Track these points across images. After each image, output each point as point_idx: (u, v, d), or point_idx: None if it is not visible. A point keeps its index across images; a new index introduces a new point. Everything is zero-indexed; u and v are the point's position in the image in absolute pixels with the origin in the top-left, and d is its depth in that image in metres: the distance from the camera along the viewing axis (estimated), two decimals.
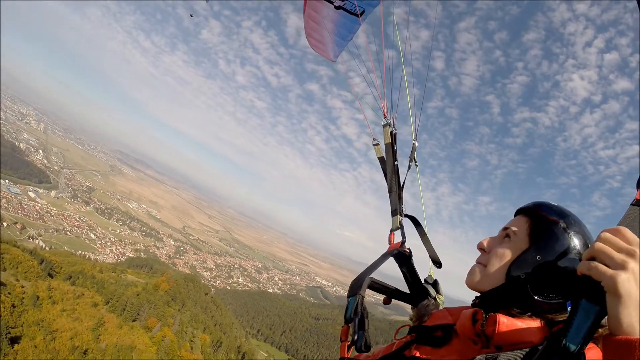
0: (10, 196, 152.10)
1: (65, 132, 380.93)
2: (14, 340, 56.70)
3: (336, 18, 5.99)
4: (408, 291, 2.53)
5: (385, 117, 3.50)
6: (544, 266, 1.57)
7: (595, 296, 1.09)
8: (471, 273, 1.79)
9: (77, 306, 74.13)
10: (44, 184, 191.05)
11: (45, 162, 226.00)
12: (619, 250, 1.11)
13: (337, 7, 5.74)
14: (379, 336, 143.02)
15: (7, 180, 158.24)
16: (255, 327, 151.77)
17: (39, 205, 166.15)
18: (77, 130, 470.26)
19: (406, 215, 3.02)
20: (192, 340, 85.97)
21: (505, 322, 1.52)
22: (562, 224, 1.63)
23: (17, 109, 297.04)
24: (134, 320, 79.26)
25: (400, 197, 3.12)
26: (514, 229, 1.75)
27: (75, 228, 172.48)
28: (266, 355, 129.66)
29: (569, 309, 1.33)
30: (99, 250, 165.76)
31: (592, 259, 1.14)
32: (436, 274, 2.71)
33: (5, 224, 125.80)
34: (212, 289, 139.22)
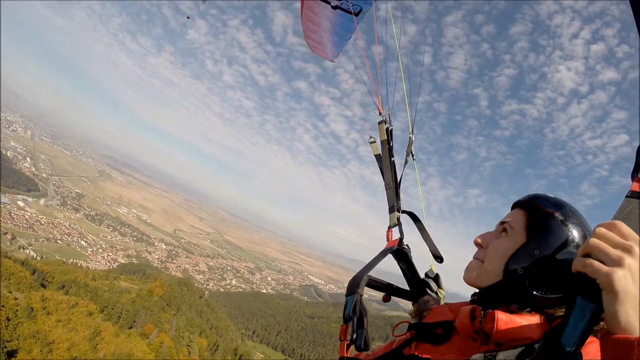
0: None
1: (53, 138, 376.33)
2: (11, 354, 56.27)
3: (333, 18, 6.03)
4: (407, 288, 2.53)
5: (380, 114, 3.51)
6: (542, 260, 1.54)
7: (591, 294, 1.07)
8: (468, 269, 1.77)
9: (72, 316, 73.47)
10: (32, 192, 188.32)
11: (34, 169, 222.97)
12: (615, 246, 1.08)
13: (334, 7, 5.78)
14: (374, 332, 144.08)
15: None
16: (251, 329, 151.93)
17: (29, 214, 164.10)
18: (65, 136, 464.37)
19: (404, 212, 3.06)
20: (189, 345, 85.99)
21: (504, 319, 1.49)
22: (559, 216, 1.60)
23: (3, 116, 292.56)
24: (130, 328, 79.11)
25: (397, 194, 3.17)
26: (510, 222, 1.72)
27: (66, 236, 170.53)
28: (263, 356, 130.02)
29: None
30: (91, 257, 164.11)
31: (587, 255, 1.11)
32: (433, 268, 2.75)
33: None
34: (206, 292, 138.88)
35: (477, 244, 1.80)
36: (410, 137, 3.35)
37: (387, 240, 2.87)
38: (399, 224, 2.97)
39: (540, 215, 1.65)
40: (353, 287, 2.21)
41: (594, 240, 1.11)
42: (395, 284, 2.44)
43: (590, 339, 1.11)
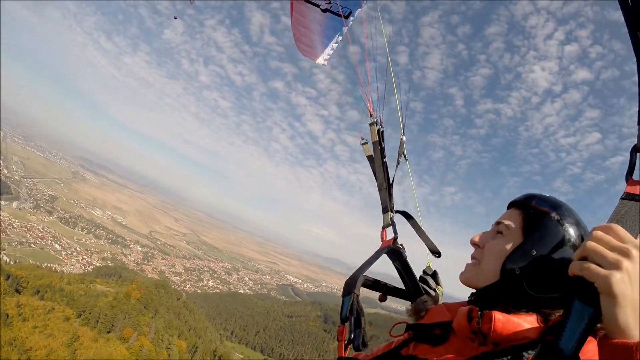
0: None
1: (25, 139, 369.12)
2: None
3: (323, 21, 6.05)
4: (402, 287, 2.55)
5: (371, 116, 3.52)
6: (539, 260, 1.54)
7: (589, 297, 1.07)
8: (465, 270, 1.77)
9: (49, 322, 72.64)
10: (4, 195, 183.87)
11: (6, 172, 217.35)
12: (612, 249, 1.08)
13: (324, 10, 5.79)
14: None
15: None
16: (229, 329, 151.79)
17: (1, 217, 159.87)
18: (37, 137, 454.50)
19: (397, 211, 3.10)
20: (168, 348, 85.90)
21: (501, 319, 1.49)
22: (555, 216, 1.59)
23: None
24: (108, 332, 78.69)
25: (390, 194, 3.20)
26: (506, 223, 1.70)
27: (39, 239, 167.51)
28: (242, 356, 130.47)
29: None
30: (65, 261, 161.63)
31: (584, 258, 1.11)
32: (421, 266, 2.78)
33: None
34: (183, 294, 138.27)
35: (473, 243, 1.79)
36: (401, 139, 3.39)
37: (382, 241, 2.92)
38: (392, 223, 3.02)
39: (536, 215, 1.63)
40: (349, 287, 2.22)
41: (591, 244, 1.11)
42: (390, 283, 2.49)
43: (589, 339, 1.11)
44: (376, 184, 3.29)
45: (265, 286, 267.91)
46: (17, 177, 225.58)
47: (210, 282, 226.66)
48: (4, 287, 74.50)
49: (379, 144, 3.36)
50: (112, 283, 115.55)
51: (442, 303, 1.99)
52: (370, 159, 3.44)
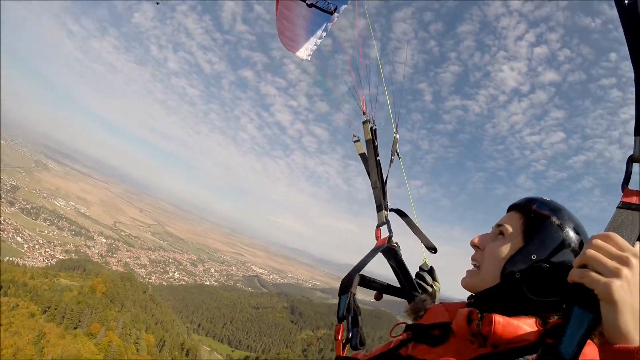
0: None
1: None
2: None
3: (309, 16, 6.02)
4: (398, 285, 2.58)
5: (364, 114, 3.51)
6: (539, 264, 1.54)
7: (589, 304, 1.10)
8: (466, 276, 1.76)
9: (14, 319, 71.43)
10: None
11: None
12: (612, 257, 1.11)
13: (310, 5, 5.74)
14: (319, 320, 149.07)
15: None
16: (196, 322, 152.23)
17: None
18: None
19: (391, 209, 3.11)
20: (137, 342, 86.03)
21: (502, 322, 1.49)
22: (556, 220, 1.60)
23: None
24: (75, 328, 78.18)
25: (384, 192, 3.21)
26: (507, 226, 1.70)
27: (1, 232, 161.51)
28: (209, 349, 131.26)
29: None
30: (27, 254, 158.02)
31: (584, 266, 1.14)
32: (416, 264, 2.79)
33: None
34: (149, 286, 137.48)
35: (473, 245, 1.79)
36: (395, 137, 3.36)
37: (376, 239, 2.94)
38: (387, 222, 3.02)
39: (536, 218, 1.64)
40: (346, 286, 2.22)
41: (590, 252, 1.14)
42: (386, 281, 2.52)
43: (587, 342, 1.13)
44: (369, 182, 3.33)
45: (232, 278, 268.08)
46: None
47: (175, 274, 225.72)
48: None
49: (372, 142, 3.38)
50: (76, 277, 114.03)
51: (441, 302, 1.98)
52: (362, 157, 3.48)
